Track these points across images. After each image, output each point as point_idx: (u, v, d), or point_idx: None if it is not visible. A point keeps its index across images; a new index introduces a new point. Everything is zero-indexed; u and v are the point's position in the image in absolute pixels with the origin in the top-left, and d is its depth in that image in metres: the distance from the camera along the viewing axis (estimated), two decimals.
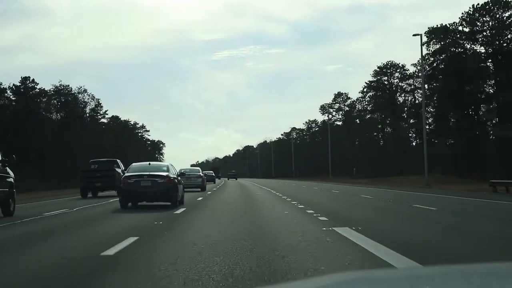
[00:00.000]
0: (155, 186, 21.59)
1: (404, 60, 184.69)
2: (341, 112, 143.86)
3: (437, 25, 77.56)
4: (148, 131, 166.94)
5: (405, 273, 2.83)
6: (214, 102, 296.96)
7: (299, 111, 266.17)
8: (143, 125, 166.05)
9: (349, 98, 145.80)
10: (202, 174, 45.72)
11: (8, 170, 19.71)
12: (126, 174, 22.19)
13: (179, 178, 23.79)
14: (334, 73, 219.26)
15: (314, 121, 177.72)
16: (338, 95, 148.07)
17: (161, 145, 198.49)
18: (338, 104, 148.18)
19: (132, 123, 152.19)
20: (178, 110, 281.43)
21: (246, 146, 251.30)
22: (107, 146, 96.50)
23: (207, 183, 49.44)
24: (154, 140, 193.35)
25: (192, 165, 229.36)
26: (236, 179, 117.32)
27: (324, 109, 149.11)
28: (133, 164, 24.14)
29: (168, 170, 22.52)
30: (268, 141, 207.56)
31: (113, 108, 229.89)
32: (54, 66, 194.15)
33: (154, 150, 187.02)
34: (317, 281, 2.75)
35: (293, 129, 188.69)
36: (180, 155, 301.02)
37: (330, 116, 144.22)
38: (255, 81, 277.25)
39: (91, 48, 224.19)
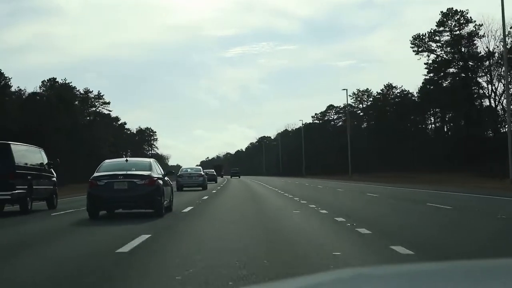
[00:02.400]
0: (133, 190, 17.18)
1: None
2: (450, 48, 78.53)
3: None
4: (108, 103, 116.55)
5: (404, 270, 2.73)
6: (227, 99, 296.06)
7: (313, 107, 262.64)
8: (99, 94, 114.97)
9: (469, 20, 79.62)
10: (203, 173, 45.90)
11: (52, 171, 24.72)
12: (95, 175, 17.56)
13: (166, 178, 19.21)
14: (347, 69, 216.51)
15: (367, 91, 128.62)
16: (449, 13, 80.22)
17: (151, 133, 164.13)
18: (448, 34, 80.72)
19: (82, 92, 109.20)
20: (190, 107, 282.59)
21: (261, 138, 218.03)
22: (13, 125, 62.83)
23: (208, 182, 50.40)
24: (141, 128, 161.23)
25: (202, 162, 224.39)
26: (239, 177, 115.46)
27: (420, 42, 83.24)
28: (106, 161, 19.54)
29: (150, 169, 17.92)
30: (289, 129, 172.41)
31: (124, 106, 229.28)
32: (66, 64, 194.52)
33: (142, 141, 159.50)
34: (315, 278, 2.61)
35: (330, 107, 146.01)
36: (192, 152, 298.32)
37: (431, 55, 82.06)
38: (267, 78, 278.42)
39: (102, 46, 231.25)
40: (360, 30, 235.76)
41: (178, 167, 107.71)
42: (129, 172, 17.86)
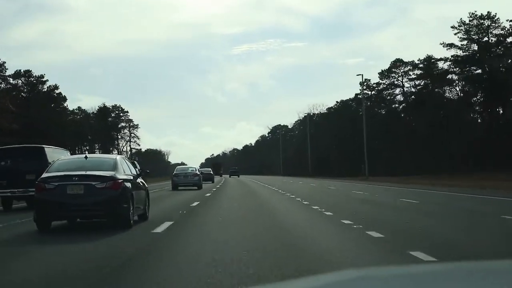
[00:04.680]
0: (91, 194, 14.22)
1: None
2: None
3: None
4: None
5: (407, 271, 2.78)
6: (235, 97, 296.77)
7: (323, 105, 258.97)
8: None
9: None
10: (198, 173, 46.14)
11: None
12: (44, 175, 14.09)
13: (138, 180, 15.69)
14: (355, 66, 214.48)
15: (489, 17, 77.83)
16: None
17: (121, 113, 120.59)
18: None
19: None
20: (198, 105, 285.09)
21: (275, 127, 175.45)
22: None
23: (204, 182, 51.16)
24: (105, 105, 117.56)
25: (207, 159, 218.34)
26: (239, 176, 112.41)
27: None
28: (60, 158, 16.20)
29: (115, 168, 14.50)
30: (316, 111, 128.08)
31: (131, 103, 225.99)
32: (73, 61, 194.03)
33: (110, 127, 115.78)
34: (318, 279, 2.63)
35: (398, 62, 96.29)
36: (198, 150, 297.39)
37: None
38: (275, 75, 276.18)
39: (109, 43, 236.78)
40: (368, 28, 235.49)
41: (182, 165, 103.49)
42: (87, 173, 14.36)
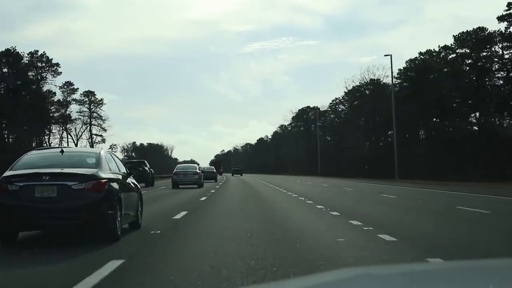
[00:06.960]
0: (66, 198, 11.41)
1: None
2: None
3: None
4: None
5: (405, 269, 2.79)
6: (246, 95, 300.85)
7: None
8: None
9: None
10: (199, 171, 46.32)
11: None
12: (7, 173, 11.39)
13: (128, 180, 13.02)
14: (368, 64, 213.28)
15: None
16: None
17: (51, 69, 77.06)
18: None
19: None
20: (209, 102, 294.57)
21: (303, 110, 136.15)
22: None
23: (206, 181, 51.97)
24: (12, 49, 74.88)
25: (216, 156, 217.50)
26: (241, 175, 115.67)
27: None
28: (30, 152, 13.21)
29: (98, 165, 11.76)
30: (366, 78, 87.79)
31: (142, 101, 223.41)
32: (84, 59, 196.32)
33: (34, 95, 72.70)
34: (319, 277, 2.66)
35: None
36: (208, 147, 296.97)
37: None
38: (288, 73, 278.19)
39: (120, 41, 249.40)
40: (381, 26, 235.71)
41: (191, 162, 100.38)
42: (63, 170, 11.55)
